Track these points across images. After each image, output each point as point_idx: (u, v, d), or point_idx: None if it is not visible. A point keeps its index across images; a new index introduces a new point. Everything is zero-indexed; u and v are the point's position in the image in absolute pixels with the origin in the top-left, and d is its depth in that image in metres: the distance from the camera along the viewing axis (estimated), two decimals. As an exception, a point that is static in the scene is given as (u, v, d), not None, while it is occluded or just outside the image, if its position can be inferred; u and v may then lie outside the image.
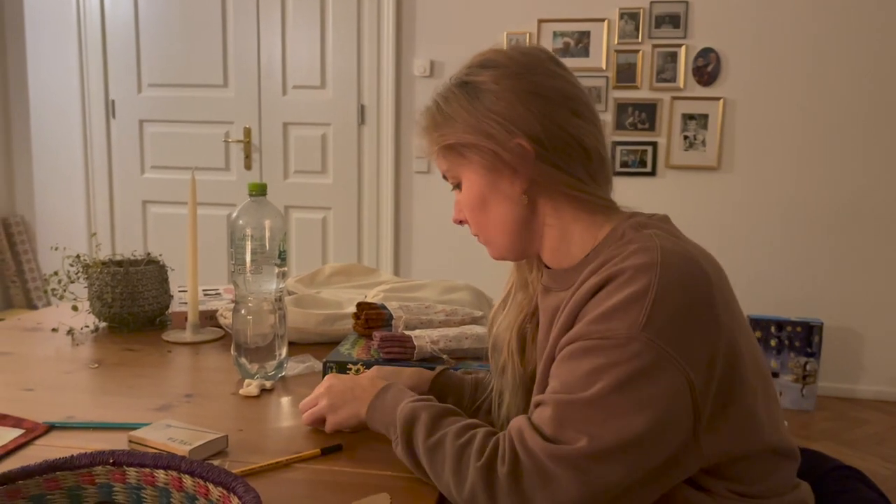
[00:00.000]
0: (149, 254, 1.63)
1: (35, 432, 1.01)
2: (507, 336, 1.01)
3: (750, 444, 0.81)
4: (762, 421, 0.82)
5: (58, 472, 0.74)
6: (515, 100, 0.87)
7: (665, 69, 3.28)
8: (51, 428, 1.03)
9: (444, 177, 0.97)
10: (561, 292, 0.91)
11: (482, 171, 0.90)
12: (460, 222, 0.98)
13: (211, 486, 0.71)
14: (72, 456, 0.74)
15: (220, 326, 1.53)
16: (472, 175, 0.91)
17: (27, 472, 0.72)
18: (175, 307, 1.60)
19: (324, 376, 1.19)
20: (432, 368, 1.16)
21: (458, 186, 0.95)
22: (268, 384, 1.21)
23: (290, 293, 1.58)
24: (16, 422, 1.04)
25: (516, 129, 0.86)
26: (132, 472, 0.75)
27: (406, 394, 0.95)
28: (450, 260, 3.47)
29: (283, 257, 1.23)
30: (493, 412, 1.03)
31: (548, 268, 0.97)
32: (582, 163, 0.89)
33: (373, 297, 1.53)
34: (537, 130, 0.87)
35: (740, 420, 0.79)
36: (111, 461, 0.75)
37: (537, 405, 0.81)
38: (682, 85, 3.27)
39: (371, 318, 1.36)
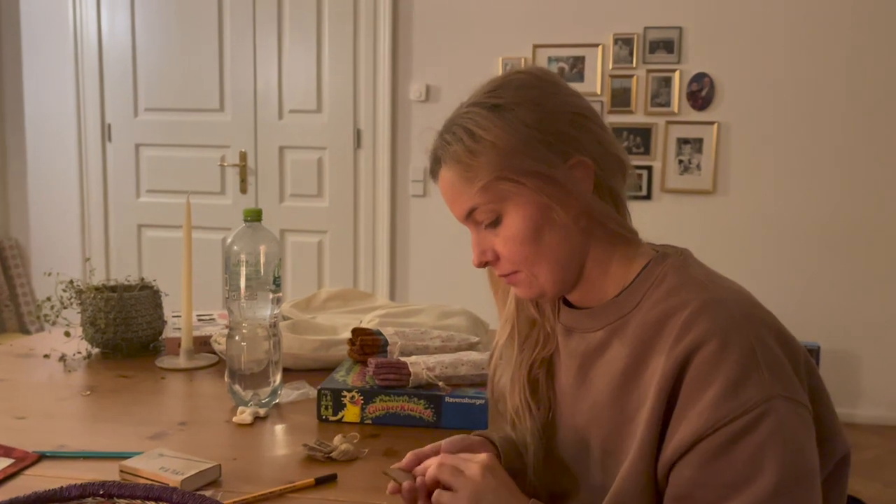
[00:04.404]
0: (143, 279, 1.62)
1: (25, 461, 1.00)
2: (518, 385, 0.93)
3: (833, 454, 0.80)
4: (837, 426, 0.80)
5: (47, 505, 0.72)
6: (559, 118, 0.81)
7: (659, 94, 3.30)
8: (41, 457, 1.02)
9: (469, 214, 0.85)
10: (588, 334, 0.86)
11: (535, 199, 0.81)
12: (485, 264, 0.87)
13: (203, 519, 0.70)
14: (61, 487, 0.73)
15: (214, 352, 1.52)
16: (521, 205, 0.81)
17: (16, 505, 0.71)
18: (169, 333, 1.59)
19: (319, 404, 1.18)
20: (428, 395, 1.15)
21: (492, 223, 0.84)
22: (262, 411, 1.20)
23: (285, 318, 1.57)
24: (5, 451, 1.02)
25: (570, 149, 0.81)
26: (123, 505, 0.73)
27: None
28: (446, 284, 3.46)
29: (277, 283, 1.22)
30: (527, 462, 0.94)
31: (568, 305, 0.90)
32: (623, 182, 0.85)
33: (368, 322, 1.52)
34: (590, 148, 0.82)
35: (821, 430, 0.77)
36: (101, 493, 0.73)
37: None
38: (676, 109, 3.29)
39: (366, 344, 1.35)
